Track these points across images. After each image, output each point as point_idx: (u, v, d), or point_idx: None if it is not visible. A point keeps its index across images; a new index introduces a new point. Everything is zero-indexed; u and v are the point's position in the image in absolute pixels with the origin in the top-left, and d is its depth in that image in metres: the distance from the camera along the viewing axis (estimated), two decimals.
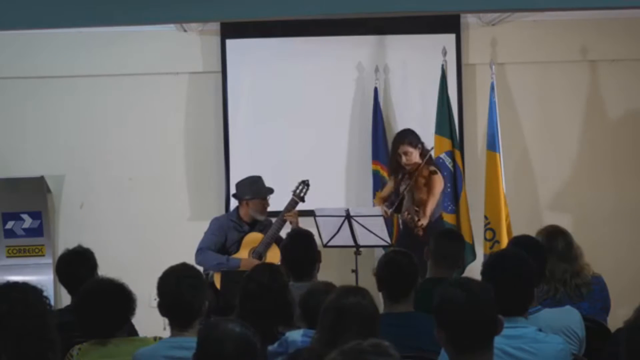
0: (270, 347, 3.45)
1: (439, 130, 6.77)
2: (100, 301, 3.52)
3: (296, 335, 3.40)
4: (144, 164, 7.11)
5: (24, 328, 2.71)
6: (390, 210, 6.05)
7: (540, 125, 7.19)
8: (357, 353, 2.04)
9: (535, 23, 7.06)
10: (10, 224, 6.88)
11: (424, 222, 5.94)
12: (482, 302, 2.65)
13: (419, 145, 6.16)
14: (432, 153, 6.35)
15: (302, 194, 6.09)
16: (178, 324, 3.44)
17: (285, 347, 3.40)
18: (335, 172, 7.04)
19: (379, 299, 4.05)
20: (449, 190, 6.65)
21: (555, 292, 4.29)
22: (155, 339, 3.55)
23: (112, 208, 7.10)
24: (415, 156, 6.12)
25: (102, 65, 7.02)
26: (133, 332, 3.95)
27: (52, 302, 2.91)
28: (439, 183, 6.11)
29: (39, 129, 7.08)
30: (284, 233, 5.72)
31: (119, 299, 3.55)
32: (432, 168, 6.13)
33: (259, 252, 5.99)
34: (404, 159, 6.12)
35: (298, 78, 7.03)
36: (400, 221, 6.50)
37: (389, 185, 6.36)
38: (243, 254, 6.01)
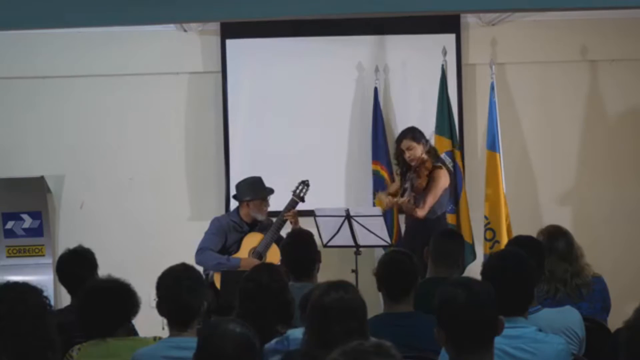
0: (267, 345, 3.42)
1: (439, 130, 6.77)
2: (102, 299, 3.51)
3: (298, 333, 3.37)
4: (144, 164, 7.11)
5: (24, 328, 2.71)
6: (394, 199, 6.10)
7: (540, 125, 7.19)
8: (359, 353, 2.04)
9: (535, 23, 7.06)
10: (10, 224, 6.87)
11: (420, 212, 5.98)
12: (482, 302, 2.65)
13: (423, 141, 6.16)
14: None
15: (302, 194, 6.09)
16: (177, 324, 3.44)
17: (286, 345, 3.38)
18: (335, 172, 7.04)
19: (379, 299, 4.06)
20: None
21: (555, 292, 4.29)
22: (155, 339, 3.55)
23: (112, 208, 7.10)
24: (419, 151, 6.11)
25: (102, 65, 7.02)
26: (133, 332, 3.94)
27: (52, 302, 2.91)
28: (443, 178, 6.10)
29: (39, 129, 7.08)
30: (284, 233, 5.72)
31: (120, 296, 3.55)
32: (438, 164, 6.15)
33: (259, 252, 5.99)
34: (407, 154, 6.12)
35: (298, 78, 7.03)
36: (399, 220, 6.52)
37: (396, 183, 6.40)
38: (243, 253, 6.01)
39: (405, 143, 6.14)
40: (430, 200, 6.04)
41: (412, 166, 6.11)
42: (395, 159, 6.37)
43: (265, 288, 3.68)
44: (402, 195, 6.15)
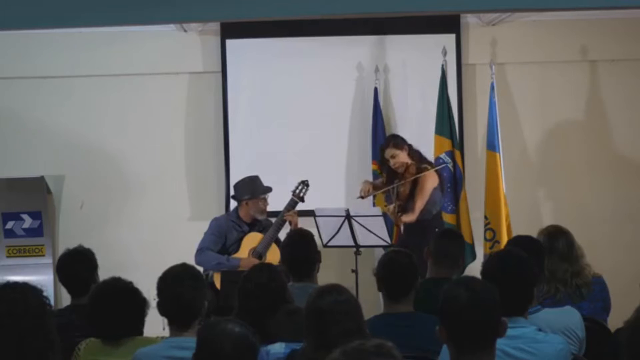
0: None
1: (439, 130, 6.77)
2: (115, 302, 3.51)
3: (278, 348, 3.34)
4: (144, 164, 7.11)
5: (24, 328, 2.71)
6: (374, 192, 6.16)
7: (540, 125, 7.20)
8: (359, 353, 2.04)
9: (535, 23, 7.06)
10: (10, 224, 6.87)
11: (411, 217, 6.03)
12: (484, 302, 2.64)
13: (405, 147, 6.18)
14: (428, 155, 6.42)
15: (301, 194, 6.09)
16: (177, 324, 3.44)
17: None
18: (335, 172, 7.04)
19: (379, 299, 4.06)
20: (448, 190, 6.65)
21: (555, 292, 4.29)
22: (158, 338, 3.55)
23: (112, 208, 7.10)
24: (402, 157, 6.14)
25: (102, 65, 7.03)
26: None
27: (52, 302, 2.91)
28: (429, 180, 6.11)
29: (39, 129, 7.08)
30: (283, 233, 5.71)
31: (136, 301, 3.55)
32: (423, 165, 6.15)
33: (258, 252, 5.99)
34: (391, 162, 6.15)
35: (298, 78, 7.04)
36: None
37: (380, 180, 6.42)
38: (243, 253, 6.01)
39: (389, 152, 6.17)
40: (419, 205, 6.07)
41: (398, 173, 6.13)
42: (379, 168, 6.38)
43: (264, 288, 3.68)
44: (387, 202, 6.18)
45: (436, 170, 6.22)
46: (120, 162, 7.10)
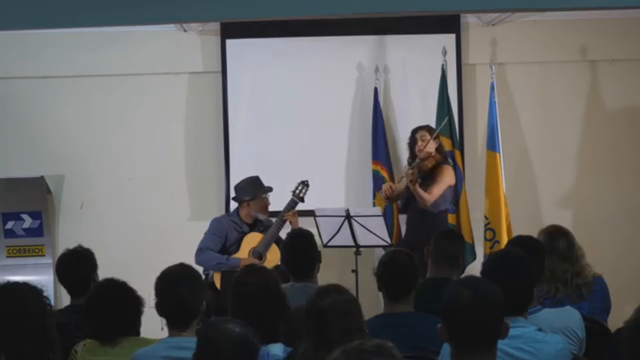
0: None
1: (439, 130, 6.77)
2: (111, 303, 3.52)
3: (277, 350, 3.34)
4: (144, 164, 7.11)
5: (24, 328, 2.71)
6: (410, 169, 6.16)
7: (540, 125, 7.19)
8: (360, 353, 2.04)
9: (535, 23, 7.06)
10: (10, 224, 6.87)
11: (427, 197, 6.06)
12: (487, 304, 2.63)
13: (437, 139, 6.25)
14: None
15: (301, 194, 6.09)
16: (176, 324, 3.43)
17: None
18: (335, 172, 7.04)
19: (379, 299, 4.06)
20: None
21: (555, 291, 4.29)
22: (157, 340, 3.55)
23: (112, 208, 7.10)
24: (431, 145, 6.19)
25: (102, 65, 7.02)
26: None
27: (52, 302, 2.91)
28: (449, 174, 6.21)
29: (39, 129, 7.08)
30: (284, 233, 5.71)
31: (132, 301, 3.55)
32: (446, 161, 6.28)
33: (259, 252, 6.00)
34: (420, 143, 6.21)
35: (298, 78, 7.03)
36: (399, 221, 6.53)
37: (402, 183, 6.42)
38: (243, 253, 6.01)
39: (421, 133, 6.28)
40: (436, 190, 6.11)
41: (420, 157, 6.15)
42: (409, 148, 6.39)
43: (265, 288, 3.66)
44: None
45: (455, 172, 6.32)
46: (120, 162, 7.10)
